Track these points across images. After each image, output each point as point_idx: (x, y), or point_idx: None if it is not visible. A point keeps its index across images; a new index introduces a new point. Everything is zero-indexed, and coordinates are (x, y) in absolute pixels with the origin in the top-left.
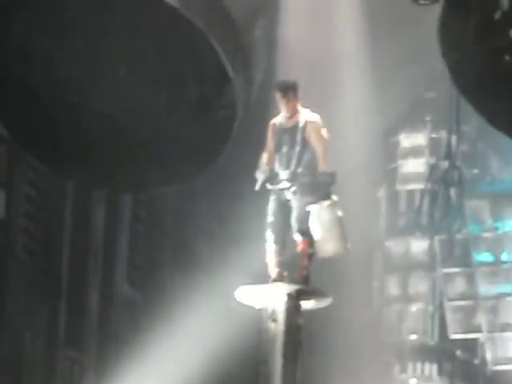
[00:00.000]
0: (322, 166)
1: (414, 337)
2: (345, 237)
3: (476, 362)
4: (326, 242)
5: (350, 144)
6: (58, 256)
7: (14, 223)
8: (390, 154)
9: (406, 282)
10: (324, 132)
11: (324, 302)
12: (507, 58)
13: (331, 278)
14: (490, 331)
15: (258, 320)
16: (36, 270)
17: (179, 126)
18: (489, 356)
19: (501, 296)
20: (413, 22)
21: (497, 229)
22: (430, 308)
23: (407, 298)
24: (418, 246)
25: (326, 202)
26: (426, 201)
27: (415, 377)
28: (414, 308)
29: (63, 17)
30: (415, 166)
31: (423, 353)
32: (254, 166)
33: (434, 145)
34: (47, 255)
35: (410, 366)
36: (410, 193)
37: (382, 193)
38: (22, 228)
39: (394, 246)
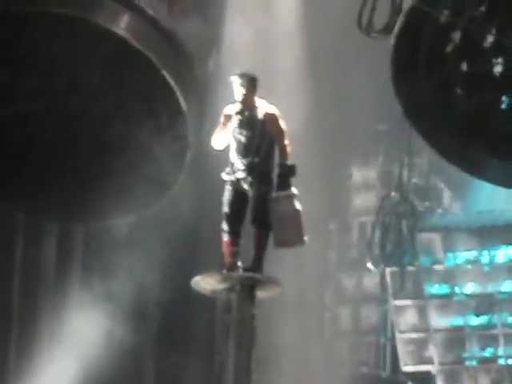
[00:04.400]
0: (283, 158)
1: (365, 369)
2: (302, 230)
3: None
4: (283, 234)
5: (301, 176)
6: (8, 287)
7: None
8: (342, 186)
9: (358, 313)
10: (283, 124)
11: (277, 291)
12: (458, 91)
13: (283, 309)
14: (442, 363)
15: (211, 309)
16: None
17: (132, 158)
18: None
19: (452, 329)
20: (366, 55)
21: (448, 261)
22: (382, 340)
23: (359, 330)
24: (370, 278)
25: (286, 194)
26: (378, 233)
27: None
28: (366, 340)
29: (19, 49)
30: (367, 198)
31: None
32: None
33: (385, 177)
34: None
35: None
36: (362, 225)
37: (333, 225)
38: None
39: (346, 278)
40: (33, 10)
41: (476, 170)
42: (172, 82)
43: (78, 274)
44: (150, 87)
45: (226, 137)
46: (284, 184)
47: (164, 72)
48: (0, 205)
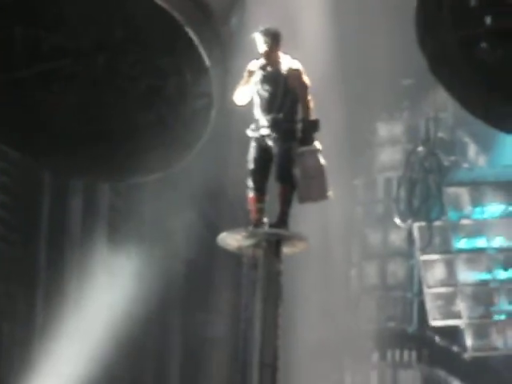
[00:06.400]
0: (306, 113)
1: (392, 324)
2: (326, 185)
3: (455, 348)
4: (308, 189)
5: (325, 132)
6: (35, 245)
7: None
8: (367, 141)
9: (384, 269)
10: (306, 79)
11: (303, 247)
12: (483, 45)
13: (309, 265)
14: (470, 318)
15: (237, 266)
16: (13, 260)
17: (157, 116)
18: (468, 343)
19: (481, 283)
20: (390, 9)
21: (475, 215)
22: (409, 295)
23: (386, 286)
24: (396, 233)
25: (310, 149)
26: (404, 188)
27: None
28: (393, 295)
29: (43, 8)
30: (392, 153)
31: (402, 340)
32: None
33: (411, 132)
34: (24, 244)
35: (389, 353)
36: (387, 180)
37: (358, 180)
38: None
39: (372, 234)
40: None
41: (500, 123)
42: (195, 39)
43: (104, 230)
44: (174, 44)
45: (248, 92)
46: (307, 139)
47: (187, 29)
48: (27, 163)
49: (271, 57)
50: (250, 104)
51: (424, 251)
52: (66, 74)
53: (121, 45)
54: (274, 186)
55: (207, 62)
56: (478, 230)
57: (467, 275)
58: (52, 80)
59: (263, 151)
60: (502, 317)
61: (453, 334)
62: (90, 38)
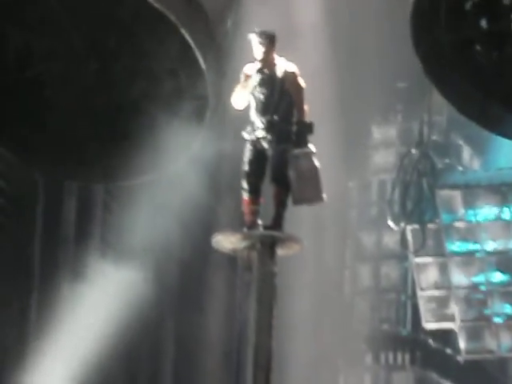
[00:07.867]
0: (300, 115)
1: (386, 326)
2: (321, 187)
3: (448, 351)
4: (302, 191)
5: (320, 134)
6: (29, 249)
7: None
8: (362, 144)
9: (377, 271)
10: (301, 81)
11: (297, 249)
12: (478, 48)
13: (303, 267)
14: (464, 321)
15: (232, 267)
16: (7, 264)
17: (152, 118)
18: (462, 345)
19: (474, 286)
20: (385, 12)
21: (469, 218)
22: (403, 297)
23: (379, 288)
24: (390, 235)
25: (304, 151)
26: (398, 190)
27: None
28: (386, 297)
29: (36, 10)
30: (386, 155)
31: (395, 342)
32: None
33: (405, 135)
34: (18, 248)
35: (382, 355)
36: (381, 183)
37: (353, 183)
38: None
39: (366, 236)
40: None
41: (495, 126)
42: (191, 41)
43: (98, 232)
44: (169, 47)
45: (246, 96)
46: (302, 141)
47: (183, 31)
48: (21, 164)
49: (267, 59)
50: (247, 106)
51: (417, 254)
52: (58, 78)
53: (114, 48)
54: (269, 189)
55: (203, 64)
56: (472, 232)
57: (460, 278)
58: (44, 83)
59: (258, 153)
60: (496, 319)
61: (446, 336)
62: (82, 41)
